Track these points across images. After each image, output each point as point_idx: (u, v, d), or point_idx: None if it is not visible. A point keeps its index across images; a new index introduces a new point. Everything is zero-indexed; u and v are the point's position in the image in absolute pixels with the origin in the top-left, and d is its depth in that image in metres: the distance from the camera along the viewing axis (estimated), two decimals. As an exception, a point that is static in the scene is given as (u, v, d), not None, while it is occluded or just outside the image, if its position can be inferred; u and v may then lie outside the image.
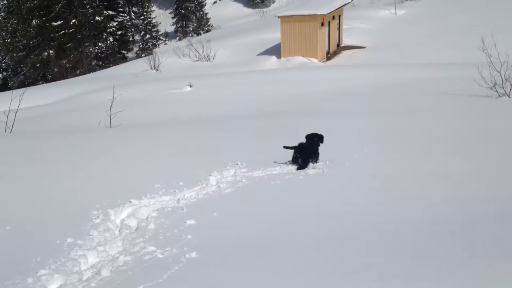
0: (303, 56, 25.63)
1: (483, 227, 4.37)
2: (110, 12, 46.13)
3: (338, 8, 26.81)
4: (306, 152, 7.23)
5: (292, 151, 7.33)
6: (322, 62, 25.56)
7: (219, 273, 3.78)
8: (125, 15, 49.40)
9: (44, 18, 39.35)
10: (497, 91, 11.36)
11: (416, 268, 3.54)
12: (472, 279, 3.21)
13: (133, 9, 50.93)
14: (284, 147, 7.37)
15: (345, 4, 28.24)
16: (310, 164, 7.27)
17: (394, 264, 3.69)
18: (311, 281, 3.51)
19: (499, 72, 11.60)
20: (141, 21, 50.19)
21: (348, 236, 4.48)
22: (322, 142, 7.34)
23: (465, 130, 8.34)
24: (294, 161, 7.30)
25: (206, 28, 52.77)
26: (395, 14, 32.50)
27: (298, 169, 7.12)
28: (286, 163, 7.29)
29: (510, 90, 11.25)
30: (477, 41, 12.86)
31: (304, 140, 7.33)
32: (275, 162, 7.39)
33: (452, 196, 5.42)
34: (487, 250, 3.79)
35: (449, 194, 5.50)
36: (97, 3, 43.71)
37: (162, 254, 4.34)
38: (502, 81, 11.46)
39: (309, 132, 7.36)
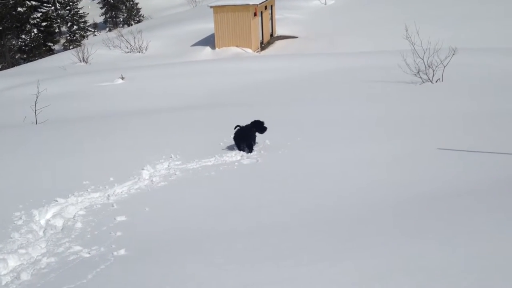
0: (237, 46, 25.59)
1: (409, 208, 4.56)
2: (34, 2, 43.64)
3: (270, -2, 27.00)
4: (245, 138, 7.41)
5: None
6: (256, 52, 25.65)
7: (147, 270, 3.68)
8: (50, 5, 46.90)
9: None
10: (421, 77, 11.90)
11: (343, 251, 3.63)
12: (395, 258, 3.33)
13: (59, -1, 48.47)
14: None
15: (277, -6, 28.50)
16: (245, 154, 7.31)
17: (324, 248, 3.76)
18: (241, 270, 3.50)
19: (422, 59, 12.15)
20: (68, 11, 47.87)
21: (279, 224, 4.53)
22: (261, 129, 7.47)
23: (391, 116, 8.67)
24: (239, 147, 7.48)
25: (137, 19, 51.29)
26: (325, 4, 33.22)
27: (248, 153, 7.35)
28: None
29: (433, 76, 11.83)
30: (402, 29, 13.39)
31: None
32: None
33: (378, 180, 5.62)
34: (410, 230, 3.95)
35: (376, 178, 5.70)
36: (19, -7, 41.20)
37: (89, 253, 4.17)
38: (425, 68, 12.02)
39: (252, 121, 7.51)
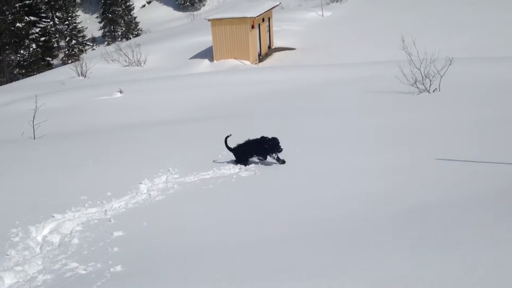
0: (235, 58, 25.68)
1: (408, 219, 4.53)
2: (32, 18, 43.87)
3: (267, 10, 27.13)
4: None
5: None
6: (254, 64, 25.74)
7: (144, 286, 3.64)
8: (49, 20, 47.16)
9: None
10: (418, 87, 11.92)
11: (341, 265, 3.60)
12: (393, 271, 3.30)
13: (57, 14, 48.74)
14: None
15: (274, 7, 28.64)
16: (243, 167, 7.31)
17: (323, 262, 3.73)
18: (239, 286, 3.46)
19: (419, 69, 12.18)
20: (66, 26, 48.13)
21: (279, 237, 4.50)
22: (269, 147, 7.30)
23: (388, 127, 8.67)
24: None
25: (136, 33, 51.52)
26: (322, 15, 33.42)
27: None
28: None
29: (430, 85, 11.85)
30: (398, 40, 13.44)
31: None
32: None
33: (377, 191, 5.60)
34: (409, 241, 3.92)
35: (374, 189, 5.68)
36: (18, 9, 41.42)
37: (85, 270, 4.13)
38: (422, 78, 12.04)
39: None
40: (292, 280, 3.41)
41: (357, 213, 4.96)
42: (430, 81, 11.91)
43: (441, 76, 11.83)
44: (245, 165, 7.35)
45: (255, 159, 7.50)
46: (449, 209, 4.66)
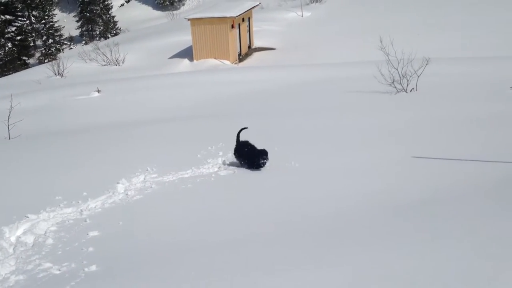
0: (215, 58, 25.63)
1: (383, 217, 4.59)
2: (8, 16, 43.02)
3: (247, 10, 27.15)
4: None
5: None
6: (235, 64, 25.73)
7: (119, 286, 3.60)
8: (25, 19, 46.34)
9: None
10: (395, 87, 12.08)
11: (317, 261, 3.62)
12: (367, 267, 3.34)
13: (33, 13, 47.88)
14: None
15: (254, 7, 28.68)
16: (222, 165, 7.30)
17: (299, 258, 3.74)
18: (214, 284, 3.45)
19: (397, 69, 12.35)
20: (43, 25, 47.35)
21: (256, 235, 4.50)
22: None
23: (366, 126, 8.76)
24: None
25: (114, 32, 50.99)
26: (302, 16, 33.60)
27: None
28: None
29: (407, 85, 12.02)
30: (376, 40, 13.60)
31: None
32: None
33: (354, 189, 5.65)
34: (384, 238, 3.97)
35: (351, 187, 5.73)
36: (-8, 7, 40.64)
37: (59, 270, 4.07)
38: (400, 78, 12.21)
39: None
40: (267, 278, 3.42)
41: (334, 211, 5.00)
42: (408, 81, 12.09)
43: (418, 76, 12.01)
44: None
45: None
46: (425, 206, 4.74)
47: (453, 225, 3.94)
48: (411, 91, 11.88)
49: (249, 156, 7.11)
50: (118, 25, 52.46)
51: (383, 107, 10.59)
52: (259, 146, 7.29)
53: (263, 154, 7.00)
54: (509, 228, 3.71)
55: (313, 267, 3.48)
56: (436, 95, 11.22)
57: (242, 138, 7.43)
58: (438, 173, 5.93)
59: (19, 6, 45.65)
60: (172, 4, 55.96)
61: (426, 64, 12.04)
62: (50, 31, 47.20)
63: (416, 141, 7.48)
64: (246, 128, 7.57)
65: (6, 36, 41.48)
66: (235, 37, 26.21)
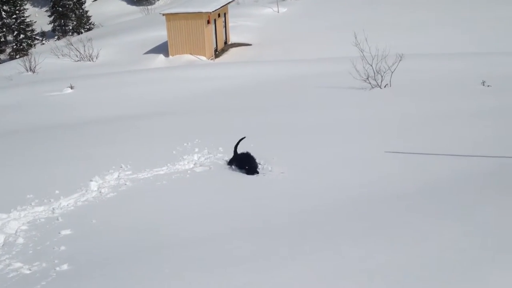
0: (191, 54, 25.43)
1: (356, 211, 4.64)
2: (-24, 10, 41.84)
3: (223, 6, 26.99)
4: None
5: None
6: (211, 59, 25.59)
7: (91, 284, 3.55)
8: (-5, 13, 45.12)
9: None
10: (370, 83, 12.20)
11: (292, 255, 3.63)
12: (340, 261, 3.37)
13: (4, 7, 46.61)
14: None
15: (230, 2, 28.54)
16: (198, 162, 7.25)
17: (274, 253, 3.75)
18: (190, 280, 3.43)
19: (371, 65, 12.47)
20: (14, 20, 46.16)
21: (231, 231, 4.49)
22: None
23: (340, 121, 8.83)
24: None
25: (88, 27, 50.06)
26: (278, 12, 33.63)
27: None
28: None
29: (381, 81, 12.15)
30: (351, 37, 13.70)
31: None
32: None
33: (327, 184, 5.70)
34: (357, 232, 4.01)
35: (325, 182, 5.77)
36: (-39, 1, 39.36)
37: (30, 269, 3.99)
38: (374, 74, 12.33)
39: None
40: (243, 273, 3.42)
41: (309, 206, 5.03)
42: (382, 77, 12.22)
43: (392, 72, 12.15)
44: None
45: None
46: (398, 200, 4.80)
47: (429, 220, 4.00)
48: (385, 87, 12.02)
49: (247, 162, 6.66)
50: (92, 20, 51.51)
51: (358, 102, 10.69)
52: (234, 140, 7.27)
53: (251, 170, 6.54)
54: (481, 220, 3.79)
55: (290, 263, 3.49)
56: (409, 91, 11.38)
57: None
58: (412, 167, 6.03)
59: (-12, 0, 44.45)
60: (147, -1, 55.26)
61: (400, 60, 12.19)
62: (21, 26, 46.00)
63: (390, 136, 7.58)
64: (244, 138, 7.14)
65: (-25, 31, 40.33)
66: (211, 33, 26.06)
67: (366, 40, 13.04)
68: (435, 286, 2.75)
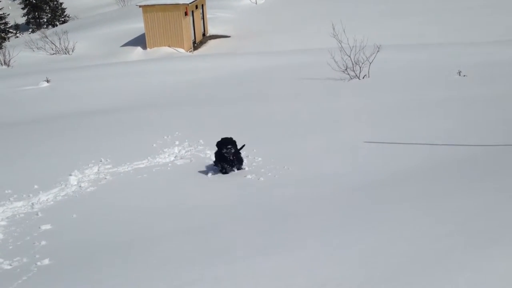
0: (169, 46, 25.21)
1: (337, 200, 4.71)
2: None
3: (201, -3, 26.83)
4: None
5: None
6: (189, 52, 25.41)
7: (73, 278, 3.54)
8: (-34, 6, 43.85)
9: None
10: (348, 74, 12.30)
11: (274, 246, 3.68)
12: (319, 250, 3.43)
13: (-25, -1, 45.42)
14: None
15: (207, -7, 28.38)
16: (178, 155, 7.23)
17: (256, 244, 3.79)
18: (172, 271, 3.45)
19: (349, 56, 12.56)
20: (-14, 12, 44.98)
21: (213, 223, 4.51)
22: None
23: (319, 112, 8.90)
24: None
25: (62, 19, 49.10)
26: (256, 3, 33.52)
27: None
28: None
29: (360, 72, 12.26)
30: (330, 28, 13.76)
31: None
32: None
33: (307, 174, 5.76)
34: (336, 221, 4.08)
35: (305, 172, 5.83)
36: None
37: (10, 265, 3.96)
38: (353, 65, 12.43)
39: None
40: (224, 263, 3.45)
41: (291, 196, 5.08)
42: (360, 68, 12.33)
43: (370, 63, 12.27)
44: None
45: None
46: (376, 188, 4.89)
47: (405, 207, 4.10)
48: (363, 77, 12.14)
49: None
50: (67, 12, 50.52)
51: (337, 93, 10.78)
52: (215, 133, 7.26)
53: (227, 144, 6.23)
54: (454, 207, 3.89)
55: (272, 252, 3.53)
56: (387, 81, 11.52)
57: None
58: (391, 155, 6.13)
59: (-42, -8, 43.16)
60: (123, -10, 54.31)
61: (378, 51, 12.31)
62: (-7, 18, 44.91)
63: (369, 125, 7.68)
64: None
65: None
66: (189, 25, 25.86)
67: (344, 31, 13.11)
68: (417, 269, 2.83)
